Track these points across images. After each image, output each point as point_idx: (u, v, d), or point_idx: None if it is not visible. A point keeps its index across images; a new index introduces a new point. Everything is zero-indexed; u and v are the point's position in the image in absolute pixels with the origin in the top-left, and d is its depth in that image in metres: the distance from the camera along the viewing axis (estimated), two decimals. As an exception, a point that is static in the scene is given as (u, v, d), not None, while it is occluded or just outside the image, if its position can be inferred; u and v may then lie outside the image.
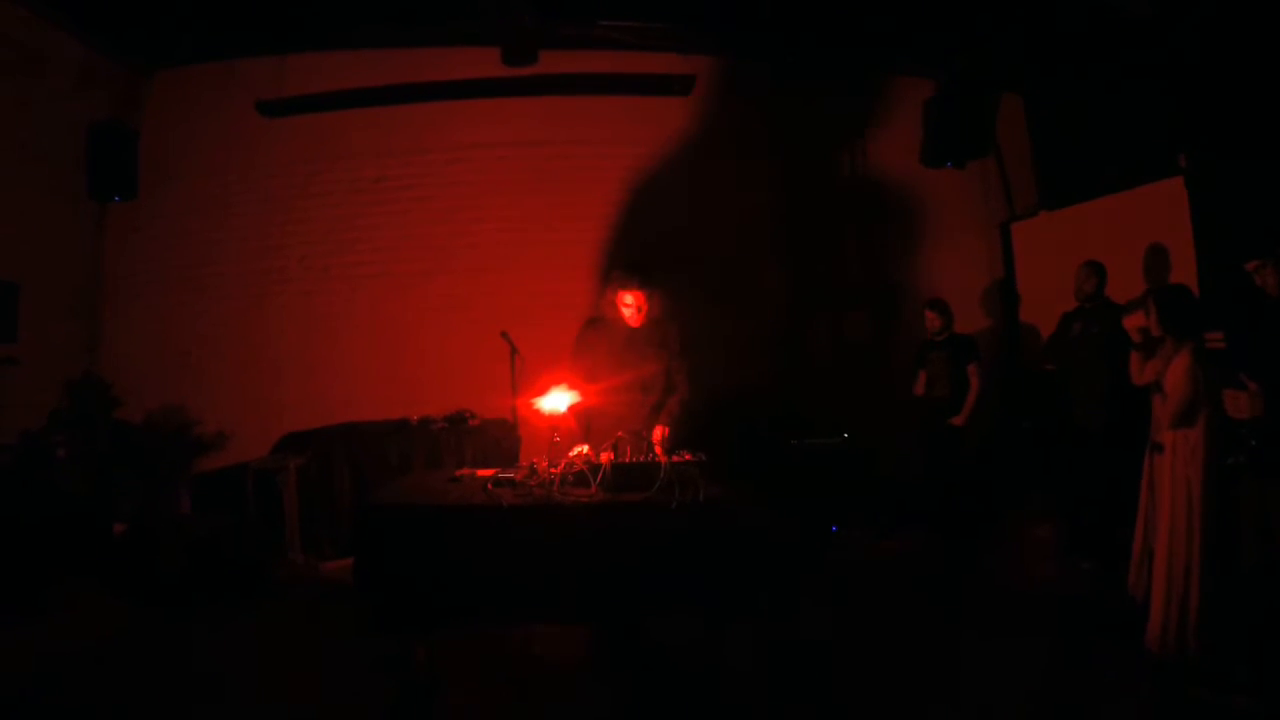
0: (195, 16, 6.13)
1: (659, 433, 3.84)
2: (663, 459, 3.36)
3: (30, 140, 5.94)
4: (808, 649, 3.81)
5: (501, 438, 5.97)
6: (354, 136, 6.91)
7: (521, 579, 3.21)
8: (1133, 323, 4.45)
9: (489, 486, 3.46)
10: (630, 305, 4.00)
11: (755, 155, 7.00)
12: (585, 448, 3.62)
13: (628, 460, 3.44)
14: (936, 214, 7.28)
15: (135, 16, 6.09)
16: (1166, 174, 5.22)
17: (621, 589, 3.20)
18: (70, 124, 6.32)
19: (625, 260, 4.45)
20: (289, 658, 4.00)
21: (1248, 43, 4.84)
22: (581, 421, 4.03)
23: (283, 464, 5.74)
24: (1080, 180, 6.29)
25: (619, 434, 3.57)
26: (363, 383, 6.72)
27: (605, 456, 3.43)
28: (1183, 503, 3.62)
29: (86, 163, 6.48)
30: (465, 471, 3.82)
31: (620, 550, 3.18)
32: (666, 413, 4.03)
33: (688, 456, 3.45)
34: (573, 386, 3.81)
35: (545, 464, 3.47)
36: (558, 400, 3.68)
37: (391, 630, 3.41)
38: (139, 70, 6.86)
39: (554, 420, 3.66)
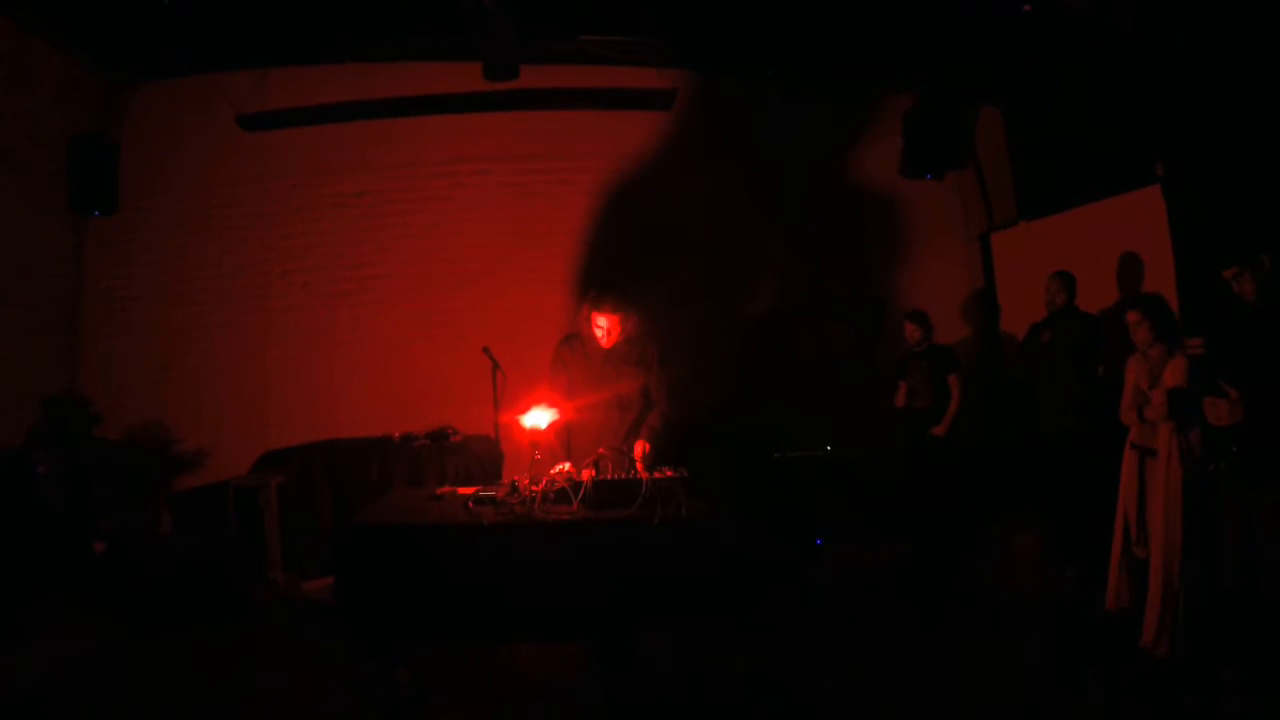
0: (177, 30, 6.05)
1: (640, 448, 3.82)
2: (644, 475, 3.35)
3: (9, 152, 5.88)
4: (793, 662, 3.82)
5: (484, 454, 5.92)
6: (335, 151, 6.88)
7: (503, 597, 3.19)
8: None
9: (470, 505, 3.44)
10: (602, 328, 3.99)
11: (736, 168, 7.00)
12: (567, 465, 3.61)
13: (609, 477, 3.44)
14: (917, 225, 7.32)
15: (117, 29, 6.02)
16: (1144, 183, 5.26)
17: (604, 606, 3.19)
18: (51, 136, 6.25)
19: (600, 280, 4.41)
20: (270, 676, 3.98)
21: (1225, 53, 4.89)
22: (562, 438, 4.00)
23: (263, 482, 5.70)
24: (1059, 190, 6.31)
25: (600, 450, 3.57)
26: (344, 399, 6.68)
27: (587, 473, 3.42)
28: (1177, 505, 3.76)
29: (67, 176, 6.39)
30: (447, 489, 3.79)
31: (602, 567, 3.17)
32: (647, 428, 4.00)
33: (669, 472, 3.42)
34: (551, 403, 3.79)
35: (526, 481, 3.44)
36: (539, 417, 3.66)
37: (373, 649, 3.39)
38: (120, 83, 6.79)
39: (535, 436, 3.64)
